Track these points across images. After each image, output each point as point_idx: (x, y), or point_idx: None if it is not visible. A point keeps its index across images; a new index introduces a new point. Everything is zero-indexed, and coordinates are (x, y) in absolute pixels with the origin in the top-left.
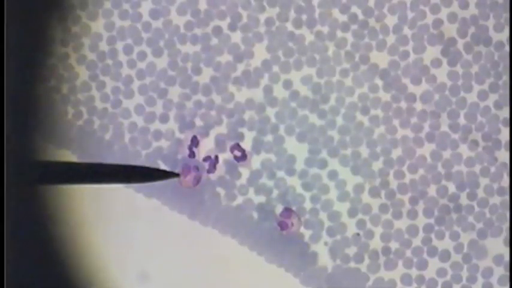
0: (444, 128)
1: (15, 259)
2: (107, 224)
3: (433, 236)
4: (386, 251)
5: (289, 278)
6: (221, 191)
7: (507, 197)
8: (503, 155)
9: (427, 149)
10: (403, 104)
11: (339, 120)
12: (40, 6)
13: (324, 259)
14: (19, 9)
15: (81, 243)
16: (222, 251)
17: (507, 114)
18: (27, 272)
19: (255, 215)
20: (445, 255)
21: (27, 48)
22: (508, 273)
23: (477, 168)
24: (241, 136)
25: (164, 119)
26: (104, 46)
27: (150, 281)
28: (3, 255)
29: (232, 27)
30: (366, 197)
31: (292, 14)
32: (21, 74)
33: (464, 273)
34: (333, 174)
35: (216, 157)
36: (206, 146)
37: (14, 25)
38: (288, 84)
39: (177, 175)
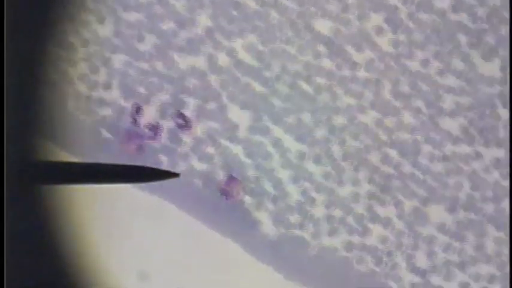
0: (387, 95)
1: (15, 259)
2: (107, 223)
3: (375, 203)
4: (329, 218)
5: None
6: (164, 159)
7: (450, 164)
8: (446, 123)
9: (370, 116)
10: (347, 72)
11: (283, 88)
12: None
13: (267, 227)
14: (21, 10)
15: (81, 243)
16: (223, 252)
17: (450, 82)
18: (27, 272)
19: (198, 183)
20: (387, 223)
21: (28, 48)
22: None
23: (420, 136)
24: (184, 104)
25: (107, 86)
26: None
27: (150, 281)
28: (3, 255)
29: None
30: (309, 165)
31: None
32: (22, 73)
33: (407, 241)
34: (276, 142)
35: (159, 125)
36: (149, 114)
37: (15, 26)
38: (231, 52)
39: (177, 175)
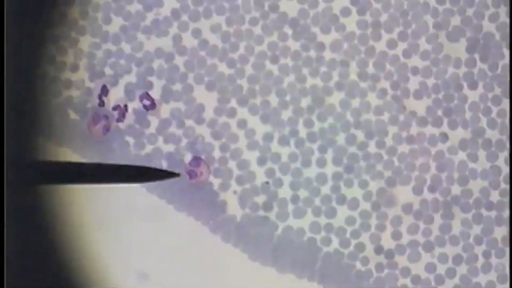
0: (353, 76)
1: (15, 259)
2: (107, 224)
3: (341, 184)
4: (295, 199)
5: (198, 226)
6: (130, 139)
7: (415, 146)
8: (411, 104)
9: (336, 97)
10: (313, 53)
11: (248, 69)
12: (42, 5)
13: (233, 208)
14: (20, 9)
15: (81, 243)
16: (223, 253)
17: (416, 63)
18: (27, 272)
19: (164, 164)
20: (353, 204)
21: (28, 48)
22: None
23: (386, 117)
24: (150, 85)
25: (74, 68)
26: None
27: (150, 281)
28: (3, 255)
29: None
30: (275, 146)
31: None
32: (22, 73)
33: (373, 222)
34: (242, 123)
35: (125, 106)
36: (115, 95)
37: (15, 25)
38: (197, 33)
39: (177, 175)
